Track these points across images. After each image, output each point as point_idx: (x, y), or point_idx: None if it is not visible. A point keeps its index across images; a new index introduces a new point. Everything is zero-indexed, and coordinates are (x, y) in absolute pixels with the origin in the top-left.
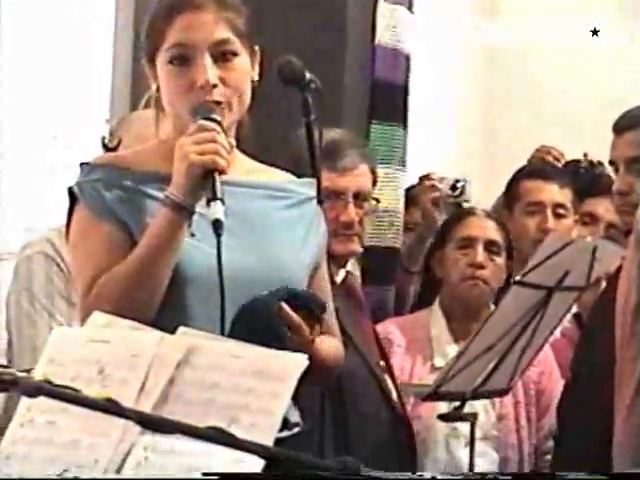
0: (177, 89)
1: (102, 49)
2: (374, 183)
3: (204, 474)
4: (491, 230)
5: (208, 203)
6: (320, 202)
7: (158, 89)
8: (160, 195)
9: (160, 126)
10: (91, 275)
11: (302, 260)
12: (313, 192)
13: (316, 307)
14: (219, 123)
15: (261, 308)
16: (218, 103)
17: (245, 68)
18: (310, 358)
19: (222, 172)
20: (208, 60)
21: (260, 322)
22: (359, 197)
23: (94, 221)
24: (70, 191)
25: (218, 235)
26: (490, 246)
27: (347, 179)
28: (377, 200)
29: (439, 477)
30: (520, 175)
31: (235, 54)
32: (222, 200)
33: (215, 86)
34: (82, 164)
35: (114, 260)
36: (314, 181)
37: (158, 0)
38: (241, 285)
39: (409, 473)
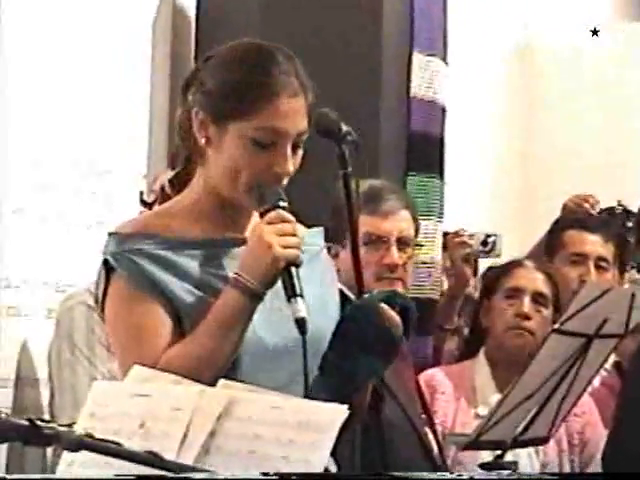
0: (250, 165)
1: (140, 103)
2: (416, 231)
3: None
4: (539, 281)
5: (289, 300)
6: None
7: (208, 143)
8: (197, 263)
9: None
10: (150, 352)
11: (331, 315)
12: (322, 241)
13: (408, 309)
14: (285, 209)
15: (365, 307)
16: None
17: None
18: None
19: (298, 266)
20: (289, 150)
21: (365, 319)
22: (401, 241)
23: (137, 293)
24: (104, 262)
25: (303, 334)
26: (537, 297)
27: (390, 223)
28: (420, 245)
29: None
30: (565, 224)
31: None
32: (302, 296)
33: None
34: (110, 233)
35: (168, 333)
36: (322, 230)
37: (241, 61)
38: (283, 352)
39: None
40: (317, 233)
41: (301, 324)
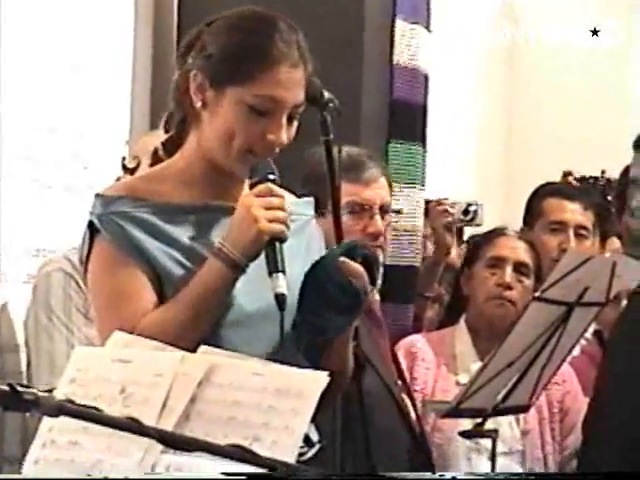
0: (245, 131)
1: (121, 69)
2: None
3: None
4: (521, 251)
5: (270, 274)
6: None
7: (204, 106)
8: (185, 230)
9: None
10: (129, 317)
11: None
12: (312, 211)
13: (370, 259)
14: (275, 182)
15: (324, 264)
16: None
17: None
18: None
19: (283, 241)
20: (285, 120)
21: (325, 275)
22: (382, 209)
23: (120, 257)
24: (89, 223)
25: (282, 310)
26: (519, 267)
27: (372, 191)
28: (399, 212)
29: (459, 477)
30: (543, 192)
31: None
32: (284, 271)
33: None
34: (97, 195)
35: (148, 299)
36: (312, 200)
37: (243, 27)
38: (262, 319)
39: (429, 473)
40: (307, 203)
41: (280, 300)
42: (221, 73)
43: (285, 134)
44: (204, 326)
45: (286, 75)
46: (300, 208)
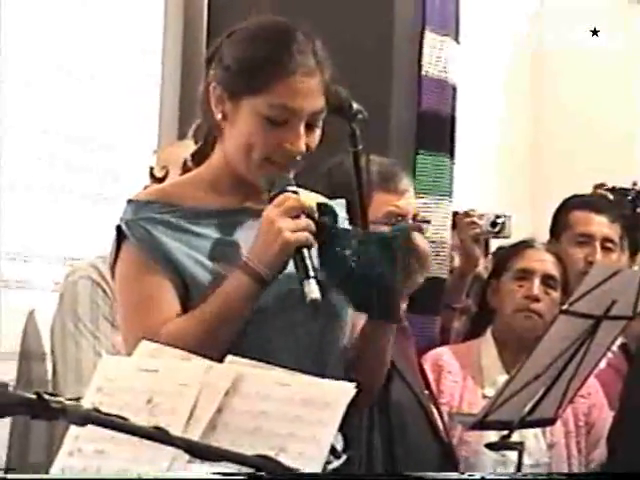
0: (263, 142)
1: (150, 79)
2: None
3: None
4: (549, 264)
5: (301, 282)
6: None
7: (224, 118)
8: (211, 233)
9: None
10: (152, 325)
11: None
12: (344, 213)
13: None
14: (297, 194)
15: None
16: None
17: (320, 132)
18: None
19: (310, 247)
20: (302, 128)
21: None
22: (415, 219)
23: (147, 263)
24: (118, 228)
25: (317, 313)
26: (547, 280)
27: (406, 201)
28: (428, 222)
29: (488, 477)
30: (571, 204)
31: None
32: (316, 277)
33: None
34: (129, 200)
35: (173, 307)
36: (343, 202)
37: (259, 38)
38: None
39: (456, 473)
40: (339, 205)
41: (315, 306)
42: (237, 85)
43: (303, 142)
44: (226, 337)
45: (300, 84)
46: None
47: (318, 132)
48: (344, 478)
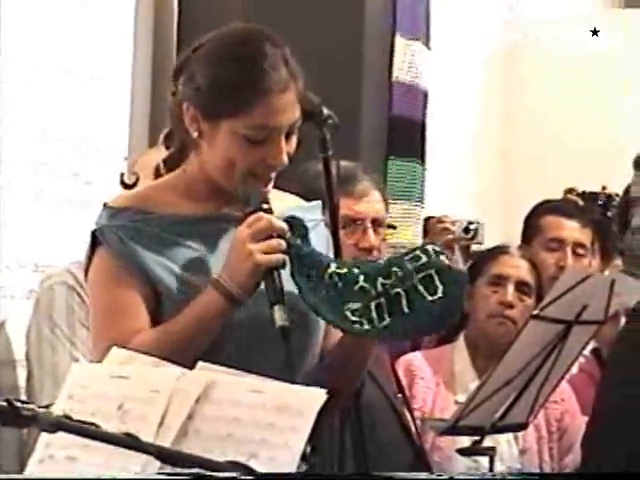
0: (245, 159)
1: (120, 86)
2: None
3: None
4: (523, 270)
5: (271, 306)
6: (342, 228)
7: (201, 137)
8: (189, 242)
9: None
10: (122, 333)
11: None
12: (320, 215)
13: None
14: (270, 211)
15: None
16: None
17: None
18: None
19: (281, 269)
20: (283, 142)
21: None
22: (375, 223)
23: (119, 271)
24: (92, 233)
25: (287, 341)
26: (521, 286)
27: (364, 205)
28: (393, 227)
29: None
30: (542, 209)
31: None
32: (284, 302)
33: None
34: (104, 205)
35: (142, 317)
36: (319, 203)
37: (228, 57)
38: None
39: (426, 473)
40: (315, 207)
41: (285, 332)
42: (211, 107)
43: (285, 155)
44: (197, 351)
45: (278, 101)
46: (308, 212)
47: (295, 138)
48: (313, 479)
